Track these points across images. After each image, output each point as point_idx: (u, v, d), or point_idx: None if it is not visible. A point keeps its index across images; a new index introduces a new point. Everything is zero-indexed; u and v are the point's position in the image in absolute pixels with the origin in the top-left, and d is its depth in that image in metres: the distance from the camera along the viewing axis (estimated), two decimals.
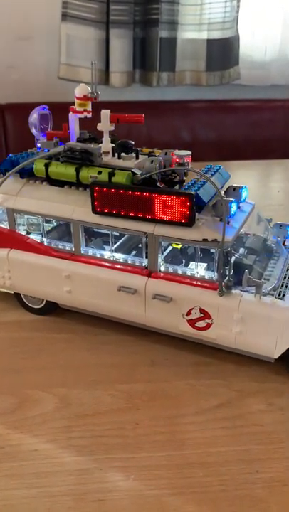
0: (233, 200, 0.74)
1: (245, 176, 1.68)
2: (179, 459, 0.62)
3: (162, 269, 0.78)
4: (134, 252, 0.83)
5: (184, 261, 0.82)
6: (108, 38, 1.99)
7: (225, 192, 0.80)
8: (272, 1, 2.10)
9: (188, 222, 0.71)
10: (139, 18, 2.01)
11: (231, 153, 2.09)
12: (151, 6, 1.97)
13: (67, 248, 0.84)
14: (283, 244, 0.87)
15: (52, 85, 2.07)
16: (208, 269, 0.77)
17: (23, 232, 0.87)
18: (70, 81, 1.99)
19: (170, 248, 0.82)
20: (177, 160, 0.76)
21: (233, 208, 0.74)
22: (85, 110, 0.82)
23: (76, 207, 0.80)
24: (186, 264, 0.81)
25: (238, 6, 2.05)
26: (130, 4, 1.94)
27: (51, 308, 0.89)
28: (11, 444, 0.64)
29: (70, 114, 0.83)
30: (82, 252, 0.82)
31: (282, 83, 2.22)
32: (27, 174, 0.84)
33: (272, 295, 0.73)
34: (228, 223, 0.73)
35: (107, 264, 0.80)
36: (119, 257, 0.81)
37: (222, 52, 2.10)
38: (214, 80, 2.14)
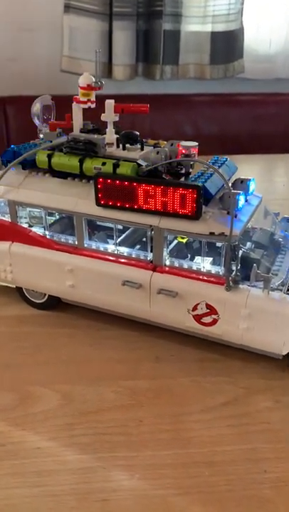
0: (240, 192, 0.72)
1: (249, 170, 1.65)
2: (185, 458, 0.61)
3: (167, 263, 0.76)
4: (138, 246, 0.82)
5: (189, 255, 0.80)
6: (111, 30, 1.96)
7: (232, 184, 0.78)
8: None
9: (195, 215, 0.70)
10: (143, 9, 1.98)
11: (235, 147, 2.06)
12: None
13: (70, 241, 0.82)
14: None
15: (54, 78, 2.04)
16: (214, 263, 0.75)
17: (25, 225, 0.85)
18: (72, 74, 1.97)
19: (175, 242, 0.80)
20: (183, 151, 0.74)
21: (241, 200, 0.72)
22: (88, 100, 0.80)
23: (79, 199, 0.78)
24: (192, 259, 0.79)
25: None
26: None
27: (53, 303, 0.87)
28: (13, 441, 0.63)
29: (74, 104, 0.81)
30: (85, 245, 0.80)
31: (287, 77, 2.19)
32: (29, 165, 0.82)
33: (281, 290, 0.71)
34: (235, 216, 0.71)
35: (111, 258, 0.78)
36: (124, 250, 0.79)
37: (226, 45, 2.07)
38: (218, 73, 2.11)
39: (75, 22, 1.94)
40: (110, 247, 0.79)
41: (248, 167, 1.70)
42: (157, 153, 0.72)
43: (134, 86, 2.10)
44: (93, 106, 0.81)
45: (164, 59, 2.04)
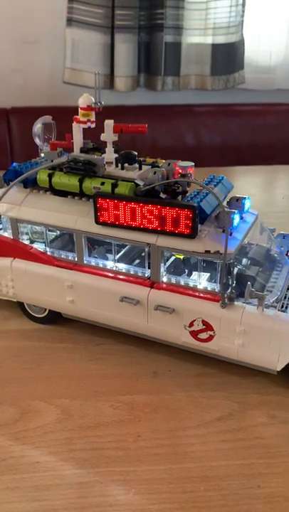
0: (235, 211, 0.74)
1: (250, 183, 1.67)
2: (180, 473, 0.62)
3: (165, 279, 0.78)
4: (137, 261, 0.83)
5: (186, 271, 0.82)
6: (113, 43, 1.99)
7: (228, 203, 0.79)
8: (277, 5, 2.10)
9: (191, 233, 0.71)
10: (144, 22, 2.01)
11: (236, 157, 2.08)
12: (156, 11, 1.97)
13: (70, 258, 0.84)
14: (287, 254, 0.87)
15: (57, 89, 2.07)
16: (210, 280, 0.77)
17: (27, 241, 0.87)
18: (74, 85, 2.00)
19: (173, 258, 0.82)
20: (180, 171, 0.75)
21: (236, 219, 0.74)
22: (88, 120, 0.82)
23: (79, 217, 0.80)
24: (189, 274, 0.81)
25: (243, 11, 2.05)
26: (135, 9, 1.94)
27: (54, 318, 0.89)
28: (13, 456, 0.64)
29: (74, 124, 0.83)
30: (85, 262, 0.82)
31: (287, 87, 2.21)
32: (31, 184, 0.84)
33: (275, 307, 0.73)
34: (230, 235, 0.73)
35: (110, 274, 0.80)
36: (122, 267, 0.80)
37: (227, 57, 2.10)
38: (219, 84, 2.13)
39: (78, 35, 1.98)
40: (109, 264, 0.81)
41: (248, 179, 1.72)
42: (154, 173, 0.74)
43: (136, 97, 2.13)
44: (93, 126, 0.83)
45: (165, 70, 2.07)
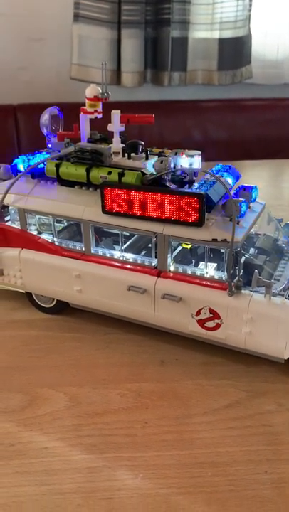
0: (242, 200, 0.74)
1: (257, 176, 1.67)
2: (188, 459, 0.63)
3: (172, 268, 0.78)
4: (144, 252, 0.84)
5: (193, 261, 0.82)
6: (120, 38, 2.00)
7: (235, 192, 0.79)
8: None
9: (198, 222, 0.72)
10: (151, 17, 2.01)
11: (243, 152, 2.08)
12: (162, 6, 1.97)
13: (77, 248, 0.85)
14: None
15: (64, 86, 2.08)
16: (218, 269, 0.77)
17: (35, 232, 0.88)
18: (81, 81, 2.00)
19: (180, 248, 0.82)
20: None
21: (243, 208, 0.74)
22: (95, 111, 0.83)
23: (86, 207, 0.80)
24: (196, 264, 0.81)
25: (250, 5, 2.04)
26: (142, 4, 1.94)
27: (62, 308, 0.90)
28: (22, 441, 0.65)
29: (81, 115, 0.84)
30: (92, 251, 0.83)
31: None
32: (38, 175, 0.85)
33: (283, 295, 0.73)
34: (237, 223, 0.73)
35: (117, 263, 0.81)
36: (129, 256, 0.81)
37: (234, 52, 2.09)
38: (226, 79, 2.13)
39: (84, 31, 1.98)
40: (116, 254, 0.82)
41: (255, 173, 1.72)
42: (161, 162, 0.74)
43: (143, 92, 2.13)
44: (100, 116, 0.83)
45: (172, 66, 2.07)
